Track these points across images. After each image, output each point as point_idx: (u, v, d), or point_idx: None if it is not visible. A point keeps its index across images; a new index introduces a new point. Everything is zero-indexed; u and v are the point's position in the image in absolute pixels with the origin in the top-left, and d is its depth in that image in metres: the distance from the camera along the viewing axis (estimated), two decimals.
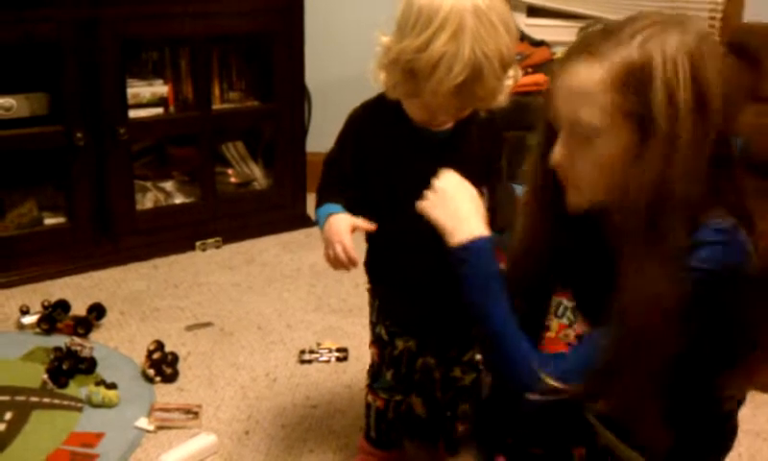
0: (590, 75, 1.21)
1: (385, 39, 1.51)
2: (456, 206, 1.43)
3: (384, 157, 1.63)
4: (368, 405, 1.84)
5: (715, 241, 1.19)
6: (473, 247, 1.39)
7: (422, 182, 1.46)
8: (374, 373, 1.81)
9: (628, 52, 1.19)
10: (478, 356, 1.74)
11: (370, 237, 1.71)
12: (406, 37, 1.45)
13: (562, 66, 1.27)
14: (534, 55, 3.16)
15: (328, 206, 1.65)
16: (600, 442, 1.52)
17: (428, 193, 1.46)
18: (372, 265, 1.74)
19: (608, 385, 1.25)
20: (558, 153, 1.28)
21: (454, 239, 1.40)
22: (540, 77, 3.11)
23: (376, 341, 1.77)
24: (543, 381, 1.28)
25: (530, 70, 3.08)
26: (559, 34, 3.58)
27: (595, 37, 1.26)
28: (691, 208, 1.19)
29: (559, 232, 1.39)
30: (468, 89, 1.42)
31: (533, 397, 1.29)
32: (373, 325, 1.78)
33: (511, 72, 1.50)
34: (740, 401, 1.51)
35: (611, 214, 1.27)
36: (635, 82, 1.18)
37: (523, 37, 3.37)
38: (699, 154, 1.18)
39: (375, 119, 1.64)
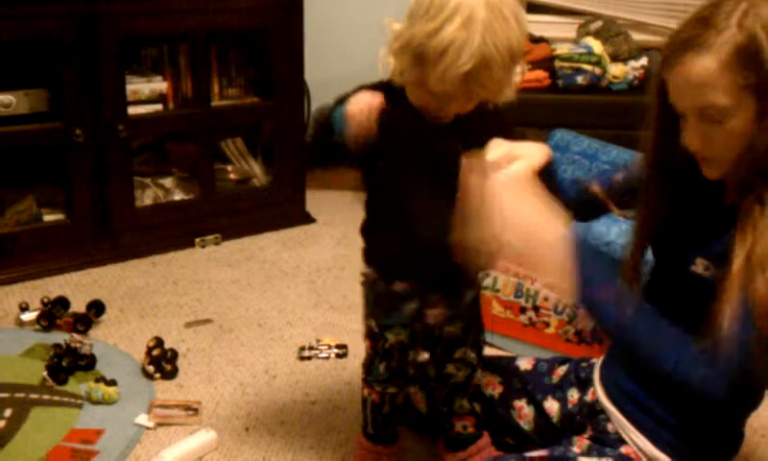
0: (706, 66, 1.28)
1: (396, 26, 1.50)
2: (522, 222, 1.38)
3: (385, 137, 1.56)
4: (364, 400, 1.83)
5: None
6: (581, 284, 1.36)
7: (423, 163, 1.52)
8: (368, 365, 1.79)
9: (730, 34, 1.26)
10: (472, 354, 1.73)
11: (368, 205, 1.75)
12: (417, 23, 1.43)
13: (670, 66, 1.33)
14: (534, 51, 3.16)
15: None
16: (611, 428, 1.53)
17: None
18: (369, 231, 1.77)
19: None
20: (693, 138, 1.35)
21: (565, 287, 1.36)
22: (540, 73, 3.12)
23: (369, 334, 1.77)
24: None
25: (530, 67, 3.08)
26: (558, 30, 3.58)
27: (693, 30, 1.31)
28: None
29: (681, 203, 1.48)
30: (474, 79, 1.41)
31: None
32: (366, 317, 1.77)
33: (518, 67, 1.50)
34: (754, 406, 1.52)
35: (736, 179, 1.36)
36: (746, 58, 1.25)
37: None
38: None
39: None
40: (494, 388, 1.82)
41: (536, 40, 3.30)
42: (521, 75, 1.52)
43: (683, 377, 1.32)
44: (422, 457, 1.90)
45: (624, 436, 1.53)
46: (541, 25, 3.61)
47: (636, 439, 1.52)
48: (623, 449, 1.52)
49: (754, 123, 1.28)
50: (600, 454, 1.53)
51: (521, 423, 1.78)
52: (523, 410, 1.78)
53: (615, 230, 2.21)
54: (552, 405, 1.74)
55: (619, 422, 1.55)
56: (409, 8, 1.50)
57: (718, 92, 1.28)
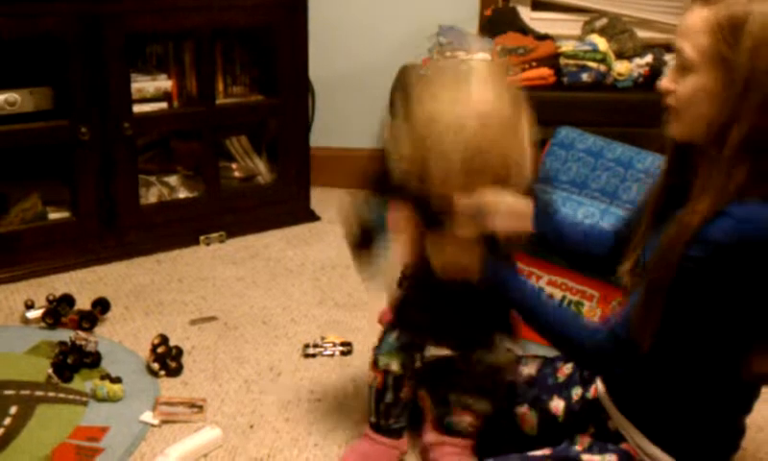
0: (700, 18, 1.35)
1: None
2: None
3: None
4: (369, 388, 1.85)
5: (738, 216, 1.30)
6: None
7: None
8: (380, 340, 1.84)
9: (734, 5, 1.32)
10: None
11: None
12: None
13: (692, 5, 1.40)
14: (538, 49, 3.15)
15: None
16: (611, 425, 1.54)
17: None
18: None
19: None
20: (665, 79, 1.45)
21: None
22: (544, 70, 3.11)
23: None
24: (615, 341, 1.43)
25: (534, 64, 3.07)
26: (563, 27, 3.58)
27: None
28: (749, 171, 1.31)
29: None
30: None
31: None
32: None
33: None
34: (750, 403, 1.51)
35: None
36: (728, 32, 1.32)
37: (527, 31, 3.37)
38: (763, 117, 1.30)
39: None
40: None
41: (540, 38, 3.30)
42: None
43: (578, 346, 1.50)
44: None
45: (623, 433, 1.54)
46: (546, 22, 3.60)
47: (634, 436, 1.52)
48: (624, 445, 1.52)
49: (712, 93, 1.35)
50: (602, 451, 1.53)
51: (525, 429, 1.78)
52: (526, 416, 1.78)
53: (582, 211, 2.28)
54: (558, 404, 1.74)
55: (618, 419, 1.55)
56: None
57: (693, 44, 1.36)
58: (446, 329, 1.79)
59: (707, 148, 1.38)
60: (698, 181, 1.39)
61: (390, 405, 1.84)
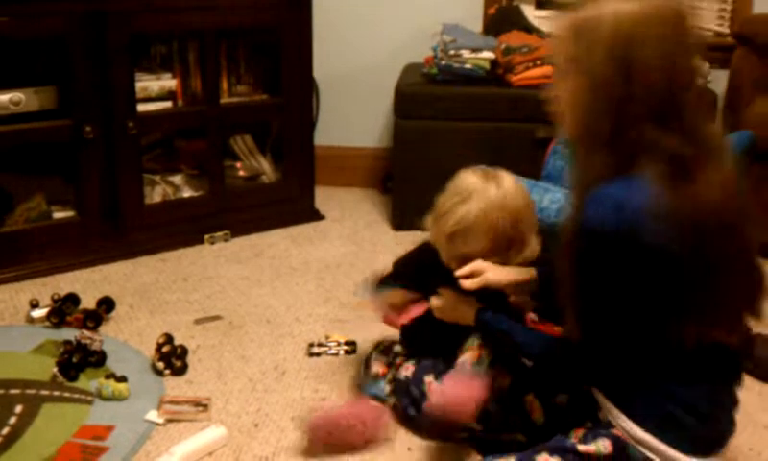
0: (562, 26, 1.49)
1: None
2: None
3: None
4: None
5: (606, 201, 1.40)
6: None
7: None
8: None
9: (587, 11, 1.44)
10: None
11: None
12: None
13: (558, 14, 1.58)
14: (542, 47, 3.15)
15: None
16: (602, 416, 1.58)
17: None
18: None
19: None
20: (549, 89, 1.56)
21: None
22: (548, 69, 3.11)
23: None
24: None
25: (539, 63, 3.07)
26: None
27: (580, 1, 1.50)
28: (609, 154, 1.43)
29: None
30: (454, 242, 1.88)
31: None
32: None
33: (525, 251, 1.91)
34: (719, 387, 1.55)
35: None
36: (584, 31, 1.43)
37: (531, 29, 3.37)
38: (620, 109, 1.40)
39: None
40: (504, 379, 1.83)
41: (544, 36, 3.30)
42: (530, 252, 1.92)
43: (538, 356, 1.69)
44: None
45: (612, 420, 1.55)
46: (551, 20, 3.59)
47: (623, 423, 1.54)
48: (614, 431, 1.55)
49: (576, 94, 1.46)
50: (595, 437, 1.56)
51: (534, 418, 1.78)
52: (534, 404, 1.79)
53: (549, 197, 2.35)
54: (562, 398, 1.75)
55: (604, 404, 1.58)
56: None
57: (559, 51, 1.50)
58: (443, 352, 1.95)
59: (575, 146, 1.53)
60: (570, 177, 1.54)
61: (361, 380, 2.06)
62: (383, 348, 2.09)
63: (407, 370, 1.96)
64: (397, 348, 2.08)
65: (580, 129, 1.48)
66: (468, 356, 1.84)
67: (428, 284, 1.99)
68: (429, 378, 1.90)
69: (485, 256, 1.87)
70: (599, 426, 1.59)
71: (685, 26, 1.44)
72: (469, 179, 1.90)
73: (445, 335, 1.93)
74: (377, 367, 2.05)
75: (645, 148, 1.40)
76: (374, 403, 1.96)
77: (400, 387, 1.95)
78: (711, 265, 1.41)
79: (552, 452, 1.56)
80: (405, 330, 2.13)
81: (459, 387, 1.75)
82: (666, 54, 1.40)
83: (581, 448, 1.55)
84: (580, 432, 1.60)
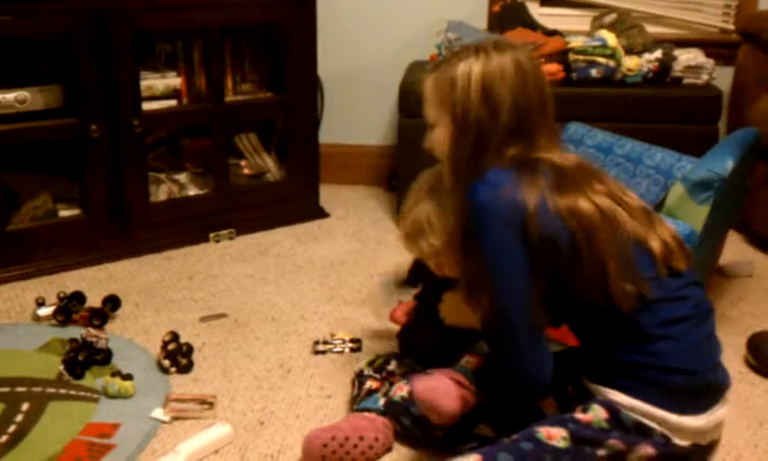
0: (428, 83, 1.76)
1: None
2: None
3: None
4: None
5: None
6: None
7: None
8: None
9: (446, 68, 1.71)
10: None
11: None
12: None
13: (425, 75, 1.78)
14: (547, 44, 3.15)
15: None
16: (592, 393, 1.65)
17: None
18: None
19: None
20: (426, 139, 1.79)
21: None
22: (553, 67, 3.11)
23: None
24: None
25: (543, 60, 3.07)
26: (572, 22, 3.57)
27: (444, 58, 1.79)
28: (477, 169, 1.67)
29: None
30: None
31: None
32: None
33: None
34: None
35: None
36: (443, 85, 1.71)
37: (536, 27, 3.37)
38: (483, 139, 1.67)
39: None
40: None
41: (549, 33, 3.29)
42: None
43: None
44: None
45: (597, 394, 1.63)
46: (555, 18, 3.60)
47: (609, 395, 1.59)
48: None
49: (452, 135, 1.71)
50: (591, 405, 1.61)
51: (547, 409, 1.79)
52: (551, 405, 1.80)
53: None
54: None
55: (597, 390, 1.63)
56: None
57: (429, 105, 1.76)
58: (441, 357, 1.94)
59: (451, 173, 1.76)
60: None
61: (355, 397, 2.01)
62: (377, 366, 2.05)
63: (401, 390, 1.90)
64: (392, 366, 2.04)
65: (454, 158, 1.72)
66: (467, 359, 1.85)
67: (433, 290, 2.00)
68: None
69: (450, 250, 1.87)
70: (590, 397, 1.63)
71: (526, 71, 1.69)
72: (425, 176, 1.96)
73: (450, 341, 1.93)
74: (371, 383, 2.01)
75: (503, 158, 1.67)
76: (372, 416, 1.89)
77: (397, 409, 1.89)
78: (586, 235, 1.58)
79: (553, 424, 1.59)
80: (405, 333, 2.13)
81: (438, 383, 1.76)
82: (514, 95, 1.66)
83: (579, 416, 1.59)
84: (576, 410, 1.63)
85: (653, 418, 1.56)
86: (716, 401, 1.61)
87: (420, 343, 2.06)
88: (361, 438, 1.83)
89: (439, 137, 1.74)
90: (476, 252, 1.63)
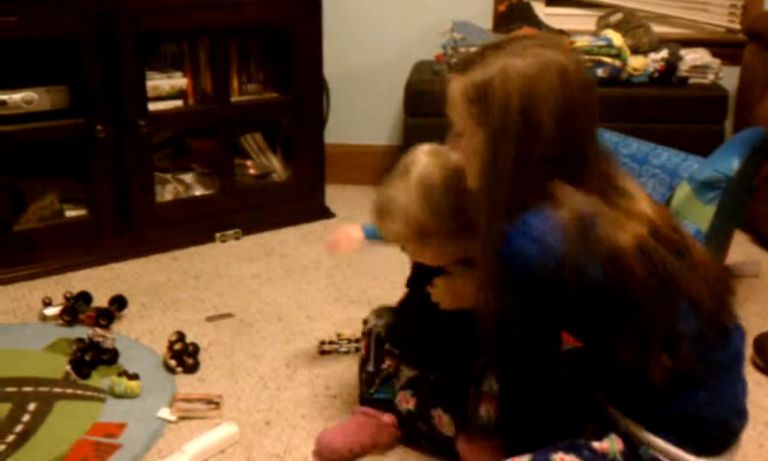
0: (457, 88, 1.51)
1: None
2: None
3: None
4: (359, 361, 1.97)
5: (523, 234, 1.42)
6: None
7: None
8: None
9: (479, 72, 1.47)
10: None
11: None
12: None
13: (451, 75, 1.55)
14: None
15: None
16: (610, 417, 1.56)
17: None
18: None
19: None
20: (448, 140, 1.61)
21: None
22: None
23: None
24: None
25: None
26: (578, 22, 3.57)
27: (471, 56, 1.54)
28: (514, 204, 1.44)
29: None
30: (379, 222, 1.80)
31: None
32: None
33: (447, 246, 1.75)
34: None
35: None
36: (478, 96, 1.46)
37: (542, 26, 3.37)
38: (523, 162, 1.44)
39: None
40: None
41: (555, 33, 3.29)
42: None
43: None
44: None
45: (618, 422, 1.55)
46: (561, 17, 3.60)
47: (630, 427, 1.53)
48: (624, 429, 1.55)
49: (480, 152, 1.48)
50: (607, 434, 1.55)
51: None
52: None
53: None
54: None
55: (618, 418, 1.56)
56: None
57: (457, 114, 1.52)
58: (430, 350, 1.89)
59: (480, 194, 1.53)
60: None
61: (371, 374, 1.92)
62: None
63: (408, 402, 1.87)
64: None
65: (487, 185, 1.49)
66: (486, 408, 1.77)
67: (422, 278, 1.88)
68: (438, 412, 1.83)
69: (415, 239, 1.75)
70: (607, 424, 1.58)
71: (574, 79, 1.45)
72: (405, 156, 1.79)
73: (441, 332, 1.83)
74: (389, 362, 1.92)
75: (549, 198, 1.43)
76: (384, 418, 1.89)
77: (403, 420, 1.88)
78: (630, 300, 1.42)
79: (567, 451, 1.55)
80: (392, 326, 1.97)
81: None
82: (560, 108, 1.43)
83: (595, 445, 1.54)
84: (589, 429, 1.60)
85: (672, 457, 1.49)
86: (735, 443, 1.55)
87: (408, 334, 1.93)
88: (375, 445, 1.86)
89: (467, 151, 1.54)
90: (507, 296, 1.47)
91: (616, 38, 3.13)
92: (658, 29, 3.37)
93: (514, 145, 1.44)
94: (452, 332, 1.80)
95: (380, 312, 1.97)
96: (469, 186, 1.57)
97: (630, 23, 3.27)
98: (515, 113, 1.43)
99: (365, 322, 1.97)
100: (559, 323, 1.51)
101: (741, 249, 3.00)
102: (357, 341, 2.33)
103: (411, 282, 1.95)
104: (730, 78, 3.28)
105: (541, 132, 1.43)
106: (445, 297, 1.80)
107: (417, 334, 1.90)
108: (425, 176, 1.70)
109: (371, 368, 1.93)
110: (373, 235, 1.97)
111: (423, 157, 1.73)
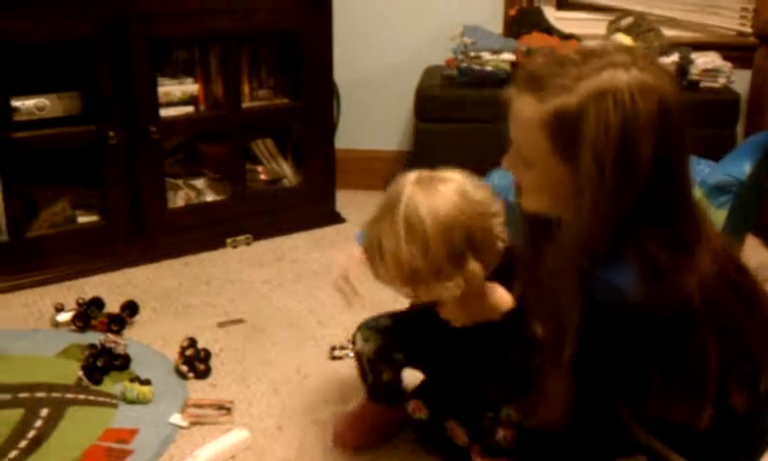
0: (531, 112, 1.30)
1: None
2: None
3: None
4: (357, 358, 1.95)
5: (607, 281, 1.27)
6: None
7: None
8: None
9: (564, 99, 1.26)
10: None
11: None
12: None
13: (517, 90, 1.35)
14: (563, 49, 3.13)
15: None
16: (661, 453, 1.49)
17: None
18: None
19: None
20: (507, 159, 1.42)
21: None
22: None
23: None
24: None
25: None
26: (589, 26, 3.56)
27: (546, 71, 1.31)
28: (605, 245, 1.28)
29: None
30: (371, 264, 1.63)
31: None
32: None
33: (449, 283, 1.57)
34: (758, 399, 1.48)
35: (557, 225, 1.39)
36: (566, 129, 1.26)
37: (552, 31, 3.36)
38: (620, 204, 1.26)
39: None
40: None
41: (566, 37, 3.29)
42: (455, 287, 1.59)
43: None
44: None
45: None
46: (571, 22, 3.59)
47: (665, 452, 1.49)
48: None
49: (563, 185, 1.31)
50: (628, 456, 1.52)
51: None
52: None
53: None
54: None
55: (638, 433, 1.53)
56: None
57: (530, 143, 1.32)
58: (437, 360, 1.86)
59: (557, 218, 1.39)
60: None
61: (372, 385, 1.92)
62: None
63: (421, 411, 1.84)
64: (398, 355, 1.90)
65: (571, 222, 1.33)
66: (503, 434, 1.72)
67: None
68: (452, 424, 1.80)
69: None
70: (632, 446, 1.52)
71: (675, 110, 1.31)
72: (397, 186, 1.62)
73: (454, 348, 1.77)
74: (387, 376, 1.91)
75: (630, 242, 1.29)
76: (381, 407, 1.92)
77: (415, 427, 1.88)
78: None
79: None
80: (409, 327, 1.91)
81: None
82: (658, 144, 1.27)
83: None
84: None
85: None
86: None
87: (417, 340, 1.88)
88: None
89: (539, 184, 1.36)
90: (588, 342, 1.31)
91: (627, 42, 3.12)
92: (668, 32, 3.36)
93: (607, 187, 1.25)
94: (464, 342, 1.75)
95: (366, 335, 1.91)
96: (528, 208, 1.43)
97: (640, 27, 3.26)
98: (611, 153, 1.24)
99: (353, 342, 1.96)
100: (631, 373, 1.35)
101: (753, 254, 2.99)
102: None
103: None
104: (741, 82, 3.27)
105: (638, 172, 1.26)
106: (457, 313, 1.69)
107: (426, 341, 1.86)
108: (412, 214, 1.54)
109: (370, 381, 1.93)
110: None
111: (410, 189, 1.57)
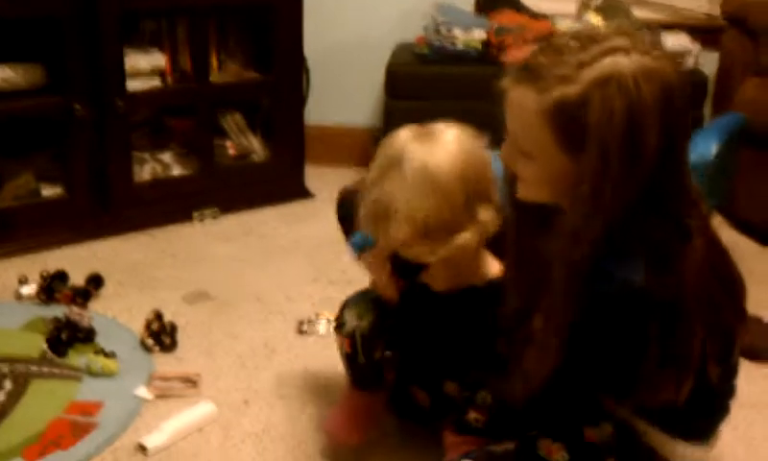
0: (531, 104, 1.27)
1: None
2: None
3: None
4: (340, 352, 1.85)
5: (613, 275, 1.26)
6: None
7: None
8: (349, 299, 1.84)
9: (566, 88, 1.24)
10: None
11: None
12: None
13: (514, 81, 1.31)
14: (534, 27, 3.14)
15: None
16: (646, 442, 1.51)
17: None
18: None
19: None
20: (504, 151, 1.39)
21: None
22: None
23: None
24: None
25: (530, 42, 3.06)
26: (559, 6, 3.56)
27: (544, 61, 1.28)
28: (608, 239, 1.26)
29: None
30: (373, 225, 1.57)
31: None
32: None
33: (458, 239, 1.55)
34: (729, 371, 1.51)
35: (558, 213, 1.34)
36: (569, 119, 1.24)
37: (523, 9, 3.36)
38: (625, 194, 1.24)
39: None
40: None
41: (536, 16, 3.29)
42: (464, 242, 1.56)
43: None
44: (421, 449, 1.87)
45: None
46: (542, 1, 3.59)
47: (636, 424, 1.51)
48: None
49: (563, 176, 1.29)
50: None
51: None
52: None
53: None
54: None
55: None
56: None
57: (530, 136, 1.29)
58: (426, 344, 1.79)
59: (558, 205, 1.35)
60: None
61: (364, 366, 1.80)
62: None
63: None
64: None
65: (573, 214, 1.29)
66: (476, 417, 1.70)
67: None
68: (448, 433, 1.76)
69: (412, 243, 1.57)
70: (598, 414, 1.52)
71: (678, 95, 1.26)
72: (393, 143, 1.60)
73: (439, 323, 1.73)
74: (379, 353, 1.82)
75: (634, 233, 1.28)
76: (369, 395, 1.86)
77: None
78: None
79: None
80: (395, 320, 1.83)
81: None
82: (662, 131, 1.24)
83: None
84: None
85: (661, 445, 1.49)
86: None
87: (409, 334, 1.83)
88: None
89: (540, 176, 1.34)
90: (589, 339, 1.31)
91: (597, 22, 3.13)
92: (638, 13, 3.38)
93: (612, 176, 1.23)
94: (441, 309, 1.71)
95: (359, 312, 1.80)
96: (526, 198, 1.40)
97: (611, 7, 3.27)
98: (616, 140, 1.22)
99: (340, 323, 1.82)
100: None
101: (720, 234, 3.02)
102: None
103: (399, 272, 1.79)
104: (709, 63, 3.29)
105: (644, 159, 1.23)
106: (443, 276, 1.67)
107: (420, 333, 1.80)
108: (420, 168, 1.52)
109: (362, 360, 1.80)
110: (362, 246, 1.75)
111: (411, 146, 1.56)
